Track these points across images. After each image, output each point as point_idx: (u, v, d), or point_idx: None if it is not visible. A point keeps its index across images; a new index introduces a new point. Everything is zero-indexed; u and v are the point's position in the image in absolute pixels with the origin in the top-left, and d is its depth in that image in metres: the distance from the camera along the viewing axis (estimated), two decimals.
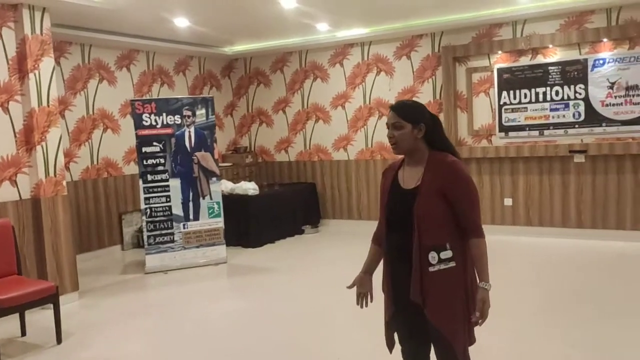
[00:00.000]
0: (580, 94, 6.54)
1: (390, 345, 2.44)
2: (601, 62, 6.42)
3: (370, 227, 8.71)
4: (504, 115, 6.98)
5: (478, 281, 2.21)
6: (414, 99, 7.50)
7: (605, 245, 6.21)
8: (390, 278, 2.35)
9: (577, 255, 6.03)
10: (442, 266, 2.20)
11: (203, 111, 6.29)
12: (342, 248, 6.98)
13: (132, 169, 7.57)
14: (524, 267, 5.77)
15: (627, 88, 6.29)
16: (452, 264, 2.21)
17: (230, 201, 6.96)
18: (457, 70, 7.29)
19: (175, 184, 6.21)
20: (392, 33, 7.50)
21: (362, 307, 2.50)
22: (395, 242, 2.30)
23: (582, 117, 6.55)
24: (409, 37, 7.59)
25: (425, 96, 7.56)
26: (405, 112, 2.28)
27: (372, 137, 8.02)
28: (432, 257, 2.19)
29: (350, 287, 2.53)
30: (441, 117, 7.40)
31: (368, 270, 2.52)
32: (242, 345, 4.02)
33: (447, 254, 2.20)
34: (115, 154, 7.41)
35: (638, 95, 6.24)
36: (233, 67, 9.22)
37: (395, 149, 2.29)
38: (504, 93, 6.95)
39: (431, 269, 2.19)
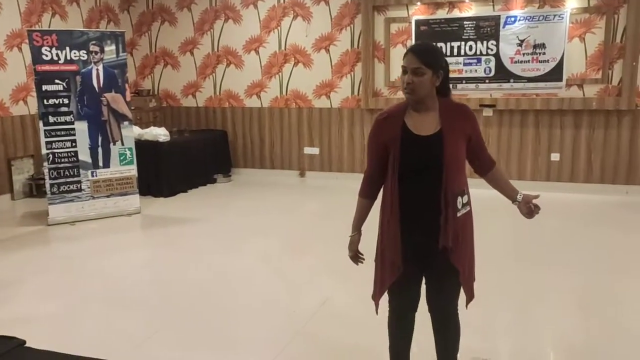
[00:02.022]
0: (491, 49, 6.81)
1: (403, 310, 2.40)
2: (512, 19, 6.70)
3: (283, 177, 8.74)
4: None
5: (516, 194, 2.35)
6: (332, 47, 7.47)
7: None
8: (405, 229, 2.22)
9: (484, 202, 6.41)
10: (463, 211, 2.24)
11: (113, 47, 5.69)
12: (257, 199, 6.83)
13: (22, 109, 6.76)
14: None
15: (535, 46, 6.64)
16: (469, 207, 2.28)
17: (139, 147, 6.43)
18: (375, 20, 7.24)
19: (81, 127, 5.61)
20: None
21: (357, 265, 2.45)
22: (417, 191, 2.20)
23: (492, 73, 6.84)
24: None
25: (343, 44, 7.46)
26: (428, 57, 2.14)
27: (287, 84, 7.82)
28: (459, 202, 2.20)
29: (356, 255, 2.42)
30: (358, 67, 7.40)
31: (360, 227, 2.42)
32: (160, 303, 3.78)
33: (466, 198, 2.26)
34: (1, 92, 6.54)
35: (544, 53, 6.62)
36: (133, 1, 8.43)
37: (411, 95, 2.16)
38: None
39: (458, 214, 2.20)
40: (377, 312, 2.40)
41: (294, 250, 4.88)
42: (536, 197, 2.37)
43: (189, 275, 4.28)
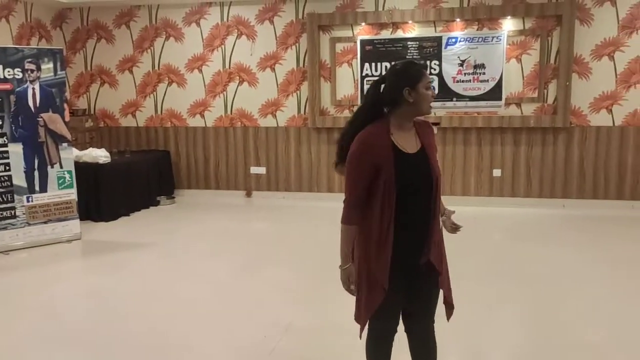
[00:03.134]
0: (435, 69, 6.99)
1: (389, 332, 2.35)
2: (453, 40, 6.91)
3: (229, 197, 8.55)
4: (365, 86, 7.16)
5: (444, 209, 2.39)
6: (277, 65, 7.43)
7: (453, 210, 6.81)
8: (396, 248, 2.18)
9: None
10: (440, 225, 2.29)
11: (50, 65, 5.39)
12: (203, 221, 6.59)
13: None
14: None
15: (475, 66, 6.87)
16: (442, 223, 2.33)
17: (78, 170, 6.09)
18: (321, 39, 7.27)
19: (16, 149, 5.25)
20: None
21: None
22: (420, 207, 2.19)
23: (436, 92, 7.01)
24: (272, 1, 7.36)
25: (288, 63, 7.44)
26: None
27: (232, 103, 7.69)
28: (441, 218, 2.25)
29: (353, 288, 2.28)
30: (304, 85, 7.39)
31: (351, 257, 2.28)
32: (109, 337, 3.53)
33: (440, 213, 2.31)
34: None
35: (484, 73, 6.87)
36: (66, 17, 8.07)
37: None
38: (366, 65, 7.14)
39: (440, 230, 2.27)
40: (360, 336, 2.34)
41: (246, 273, 4.73)
42: (453, 212, 2.43)
43: (138, 304, 4.05)
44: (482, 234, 5.81)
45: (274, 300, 4.10)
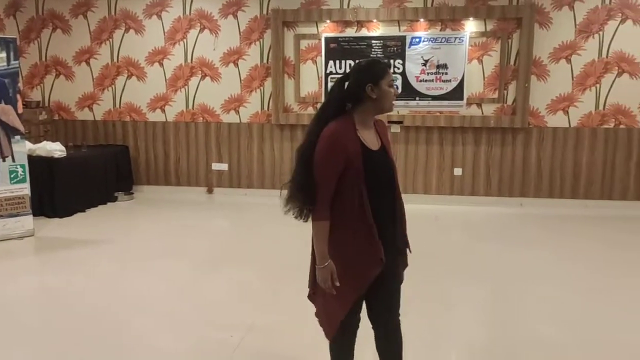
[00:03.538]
0: (398, 68, 7.03)
1: (355, 327, 2.37)
2: (417, 40, 6.97)
3: (189, 194, 8.42)
4: (329, 84, 7.15)
5: None
6: (241, 61, 7.34)
7: (414, 207, 6.86)
8: (377, 244, 2.18)
9: None
10: None
11: (3, 55, 5.17)
12: (162, 218, 6.46)
13: None
14: None
15: (438, 66, 6.95)
16: None
17: (31, 164, 5.87)
18: (285, 36, 7.22)
19: None
20: None
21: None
22: (384, 203, 2.24)
23: (399, 91, 7.06)
24: None
25: (252, 59, 7.35)
26: None
27: (194, 98, 7.55)
28: None
29: (338, 284, 2.21)
30: (268, 82, 7.32)
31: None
32: (60, 338, 3.42)
33: None
34: None
35: (446, 73, 6.95)
36: (20, 6, 7.76)
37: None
38: (331, 62, 7.12)
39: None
40: (334, 333, 2.31)
41: (207, 271, 4.65)
42: None
43: (94, 303, 3.92)
44: (442, 232, 5.88)
45: (236, 298, 4.04)
